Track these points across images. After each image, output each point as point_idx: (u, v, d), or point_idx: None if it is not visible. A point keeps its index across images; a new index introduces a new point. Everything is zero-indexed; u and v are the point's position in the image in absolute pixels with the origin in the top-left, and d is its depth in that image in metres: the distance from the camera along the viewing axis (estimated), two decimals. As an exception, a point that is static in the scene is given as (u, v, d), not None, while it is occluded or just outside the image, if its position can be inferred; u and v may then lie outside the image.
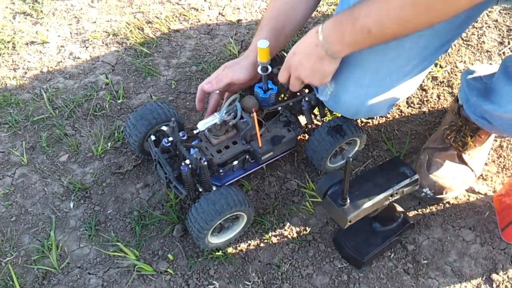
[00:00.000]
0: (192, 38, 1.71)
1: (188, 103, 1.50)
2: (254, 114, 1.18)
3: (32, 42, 1.73)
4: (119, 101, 1.51)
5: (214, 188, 1.13)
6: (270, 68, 1.16)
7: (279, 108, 1.26)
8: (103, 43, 1.72)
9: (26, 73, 1.63)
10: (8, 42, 1.73)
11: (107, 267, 1.15)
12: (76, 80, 1.60)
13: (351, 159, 0.87)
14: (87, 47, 1.71)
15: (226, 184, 1.19)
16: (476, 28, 1.64)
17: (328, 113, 1.29)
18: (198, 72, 1.59)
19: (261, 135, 1.21)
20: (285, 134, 1.24)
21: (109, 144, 1.40)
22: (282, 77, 1.11)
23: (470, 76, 1.20)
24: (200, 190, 1.14)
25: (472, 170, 1.23)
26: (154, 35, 1.72)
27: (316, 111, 1.30)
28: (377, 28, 0.88)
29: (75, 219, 1.25)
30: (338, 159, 1.28)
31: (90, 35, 1.74)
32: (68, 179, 1.32)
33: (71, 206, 1.27)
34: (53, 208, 1.27)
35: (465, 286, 1.09)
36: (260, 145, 1.20)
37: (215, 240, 1.13)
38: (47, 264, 1.16)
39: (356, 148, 1.26)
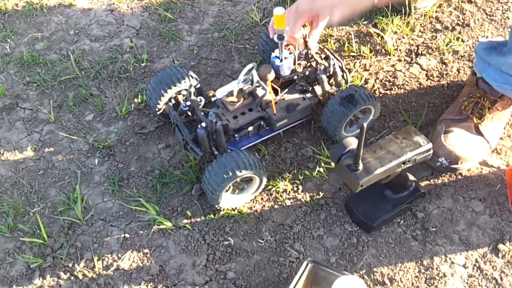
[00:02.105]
0: (215, 4, 1.73)
1: (209, 68, 1.53)
2: (269, 82, 1.21)
3: (60, 4, 1.77)
4: (142, 65, 1.55)
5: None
6: (285, 36, 1.18)
7: (295, 77, 1.28)
8: (128, 7, 1.75)
9: (53, 34, 1.68)
10: (36, 3, 1.77)
11: (129, 220, 1.22)
12: (101, 42, 1.64)
13: (365, 126, 0.89)
14: (112, 11, 1.74)
15: (241, 149, 1.24)
16: (501, 3, 1.62)
17: (343, 82, 1.31)
18: (220, 39, 1.61)
19: (276, 103, 1.24)
20: (300, 102, 1.27)
21: (132, 105, 1.45)
22: None
23: (484, 46, 1.23)
24: (216, 153, 1.19)
25: (488, 142, 1.25)
26: (178, 0, 1.74)
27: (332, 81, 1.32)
28: None
29: (99, 174, 1.31)
30: (354, 128, 1.31)
31: (115, -2, 1.77)
32: (93, 137, 1.38)
33: (96, 162, 1.33)
34: (78, 163, 1.33)
35: (471, 255, 1.12)
36: (275, 112, 1.23)
37: (229, 200, 1.18)
38: (72, 216, 1.23)
39: (371, 117, 1.28)
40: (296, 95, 1.29)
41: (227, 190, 1.15)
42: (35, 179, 1.31)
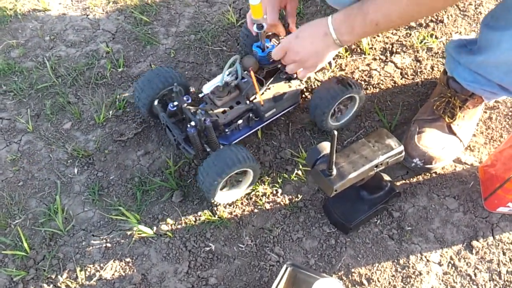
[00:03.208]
0: (190, 6, 1.72)
1: (186, 72, 1.54)
2: (252, 73, 1.21)
3: (34, 10, 1.75)
4: (119, 70, 1.55)
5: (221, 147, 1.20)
6: (265, 26, 1.19)
7: (279, 65, 1.29)
8: (103, 10, 1.74)
9: (28, 41, 1.66)
10: (10, 9, 1.75)
11: (110, 229, 1.23)
12: (77, 48, 1.63)
13: (336, 133, 0.91)
14: (87, 15, 1.73)
15: (234, 142, 1.25)
16: (475, -3, 1.64)
17: (328, 66, 1.33)
18: (197, 41, 1.61)
19: (262, 93, 1.25)
20: (286, 90, 1.28)
21: (110, 112, 1.45)
22: (276, 55, 1.17)
23: (455, 44, 1.25)
24: (208, 150, 1.20)
25: (461, 141, 1.28)
26: (153, 2, 1.73)
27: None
28: (384, 21, 1.00)
29: (79, 184, 1.31)
30: (340, 117, 1.33)
31: (90, 2, 1.75)
32: (72, 146, 1.38)
33: (75, 172, 1.33)
34: (58, 173, 1.33)
35: (446, 252, 1.16)
36: (262, 103, 1.24)
37: (223, 195, 1.20)
38: (54, 227, 1.24)
39: (355, 108, 1.31)
40: (282, 83, 1.30)
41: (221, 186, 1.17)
42: (15, 190, 1.31)
